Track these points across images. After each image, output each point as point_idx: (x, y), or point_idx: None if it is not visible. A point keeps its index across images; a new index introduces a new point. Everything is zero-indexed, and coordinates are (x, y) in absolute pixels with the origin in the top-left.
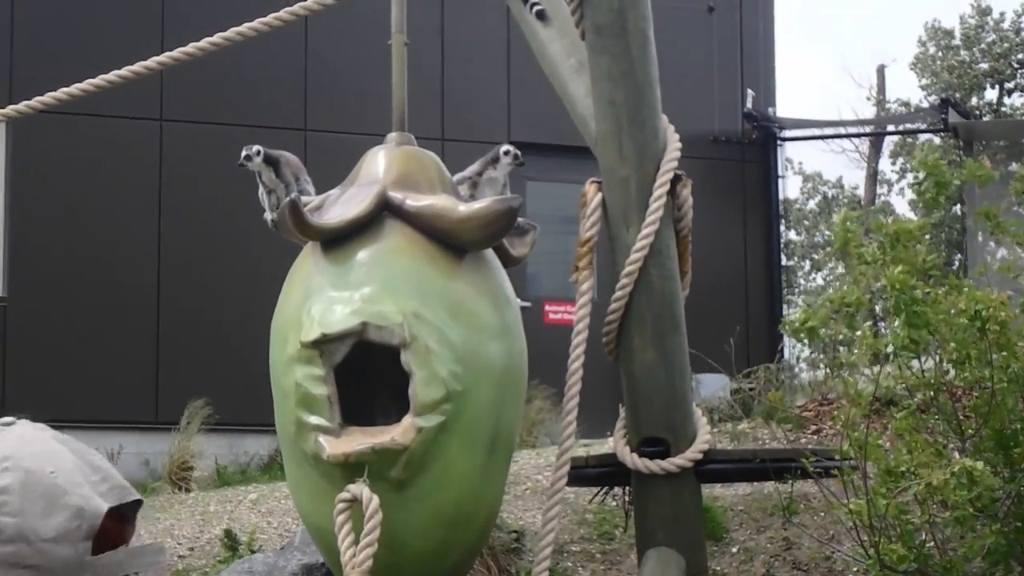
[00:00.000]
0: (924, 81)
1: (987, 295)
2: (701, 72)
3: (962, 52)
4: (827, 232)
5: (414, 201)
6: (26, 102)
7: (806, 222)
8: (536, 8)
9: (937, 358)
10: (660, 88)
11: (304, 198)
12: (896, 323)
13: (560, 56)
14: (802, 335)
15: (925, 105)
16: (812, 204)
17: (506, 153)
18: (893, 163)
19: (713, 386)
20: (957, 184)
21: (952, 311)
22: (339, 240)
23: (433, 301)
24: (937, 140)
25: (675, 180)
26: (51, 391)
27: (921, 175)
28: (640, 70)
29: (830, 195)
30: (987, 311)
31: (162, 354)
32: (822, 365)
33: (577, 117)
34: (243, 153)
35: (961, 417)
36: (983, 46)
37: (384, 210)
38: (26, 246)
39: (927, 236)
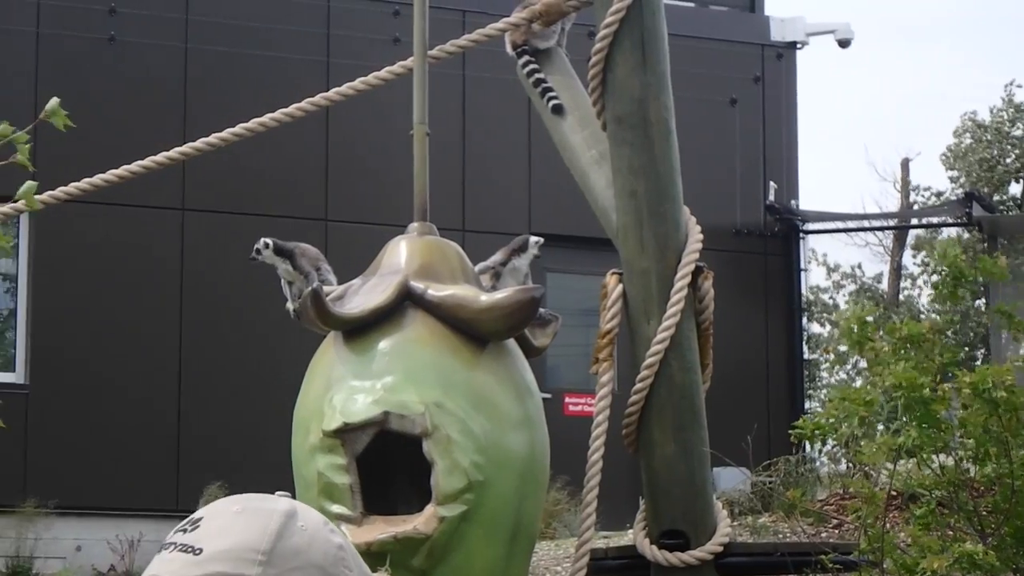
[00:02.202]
0: (952, 173)
1: (996, 367)
2: (723, 164)
3: (993, 146)
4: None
5: (436, 291)
6: (50, 192)
7: (828, 315)
8: (553, 103)
9: (956, 455)
10: (682, 180)
11: (326, 288)
12: (905, 420)
13: (580, 147)
14: (815, 440)
15: (952, 197)
16: (839, 297)
17: (536, 243)
18: (915, 256)
19: (732, 479)
20: (979, 280)
21: (963, 401)
22: (361, 330)
23: (455, 391)
24: (962, 234)
25: (696, 272)
26: (72, 479)
27: (940, 269)
28: (662, 162)
29: (853, 288)
30: (994, 380)
31: (182, 442)
32: (843, 460)
33: (598, 209)
34: (254, 247)
35: (984, 513)
36: (1012, 140)
37: (406, 300)
38: (48, 334)
39: (948, 332)
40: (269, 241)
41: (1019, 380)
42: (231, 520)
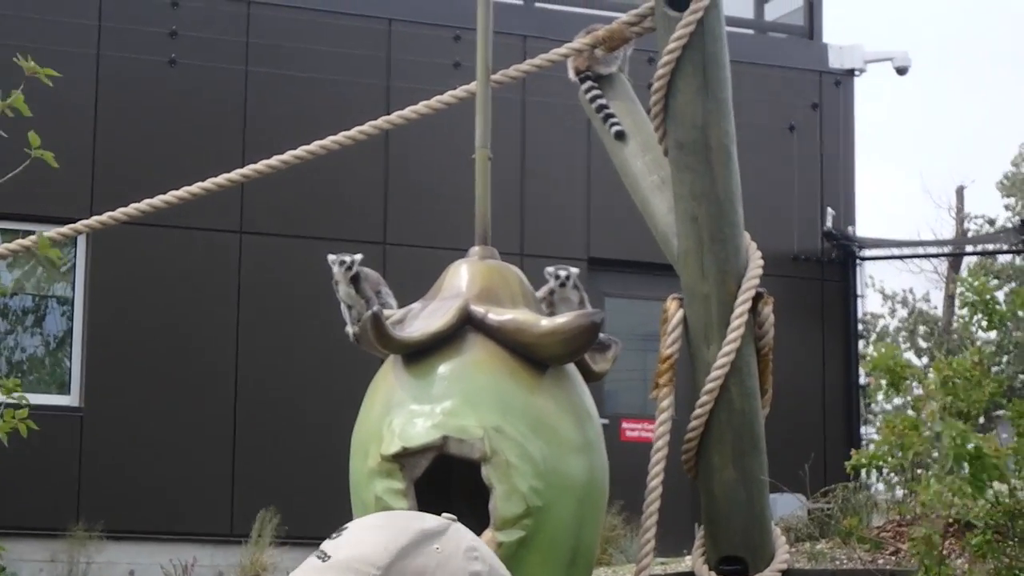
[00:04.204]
0: (1008, 200)
1: None
2: (781, 190)
3: None
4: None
5: (496, 315)
6: (108, 213)
7: (888, 339)
8: (615, 128)
9: (1010, 483)
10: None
11: (386, 311)
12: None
13: (642, 173)
14: (870, 470)
15: (1007, 225)
16: (895, 322)
17: (548, 275)
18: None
19: (789, 506)
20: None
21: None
22: (421, 353)
23: (514, 416)
24: (1018, 261)
25: (757, 298)
26: (126, 502)
27: (970, 298)
28: (723, 187)
29: (907, 315)
30: None
31: (237, 466)
32: (899, 487)
33: (658, 234)
34: (337, 259)
35: None
36: None
37: (466, 324)
38: (103, 357)
39: (1004, 358)
40: (359, 258)
41: None
42: (367, 532)
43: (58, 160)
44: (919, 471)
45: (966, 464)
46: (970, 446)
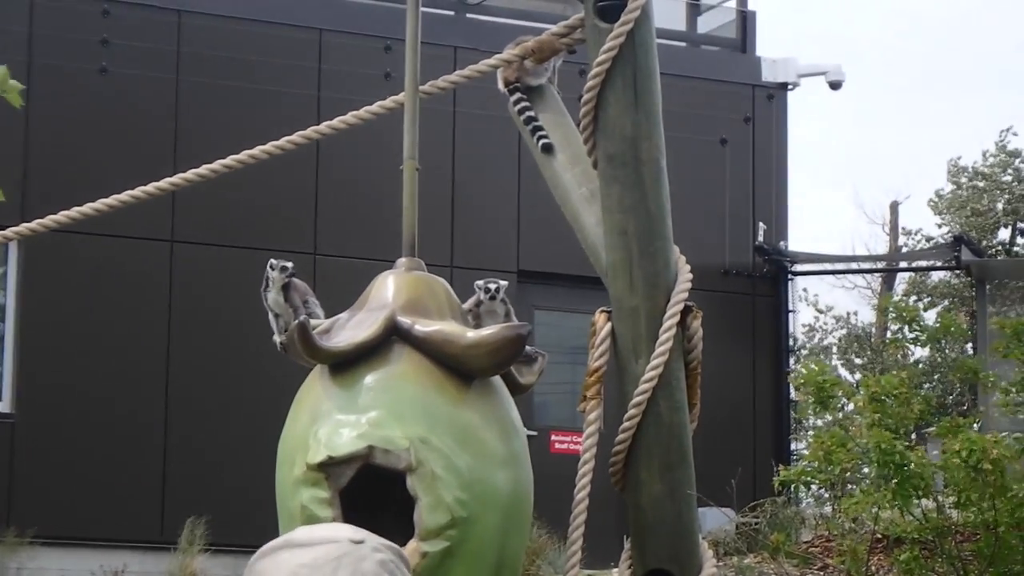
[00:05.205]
0: (939, 219)
1: (982, 437)
2: (712, 204)
3: (984, 192)
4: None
5: (423, 326)
6: (38, 220)
7: (821, 355)
8: (543, 142)
9: (938, 500)
10: (671, 219)
11: (313, 321)
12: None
13: (571, 185)
14: (798, 486)
15: (942, 241)
16: (831, 339)
17: (478, 287)
18: (904, 300)
19: (717, 520)
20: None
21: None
22: (347, 364)
23: (440, 427)
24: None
25: (685, 311)
26: (57, 508)
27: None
28: (653, 200)
29: (840, 333)
30: (980, 453)
31: (168, 474)
32: (827, 503)
33: (588, 247)
34: (280, 265)
35: (967, 558)
36: (1002, 185)
37: (393, 335)
38: (34, 363)
39: (934, 377)
40: (289, 266)
41: (994, 424)
42: None
43: None
44: (849, 486)
45: (893, 476)
46: (896, 456)
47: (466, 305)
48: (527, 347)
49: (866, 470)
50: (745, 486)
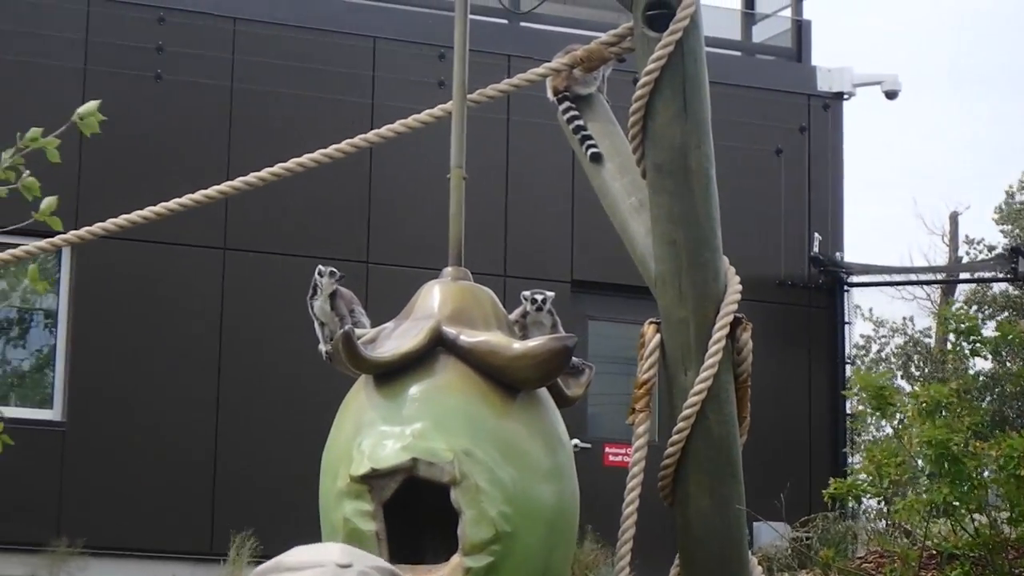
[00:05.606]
0: (1004, 227)
1: (1021, 441)
2: (768, 215)
3: None
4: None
5: (468, 337)
6: (89, 228)
7: (882, 366)
8: (591, 151)
9: (991, 515)
10: (726, 230)
11: (358, 331)
12: (927, 475)
13: (620, 195)
14: (848, 500)
15: (1001, 252)
16: (888, 350)
17: (524, 298)
18: (964, 309)
19: (771, 535)
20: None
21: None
22: (392, 374)
23: (484, 439)
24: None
25: (735, 323)
26: (107, 518)
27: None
28: (702, 210)
29: (899, 343)
30: (1019, 459)
31: (218, 485)
32: (880, 518)
33: (637, 257)
34: (328, 270)
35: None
36: None
37: (438, 345)
38: (85, 371)
39: (994, 390)
40: (338, 272)
41: None
42: None
43: (43, 174)
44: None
45: (947, 473)
46: (952, 448)
47: (512, 316)
48: (574, 359)
49: (920, 464)
50: (801, 501)
